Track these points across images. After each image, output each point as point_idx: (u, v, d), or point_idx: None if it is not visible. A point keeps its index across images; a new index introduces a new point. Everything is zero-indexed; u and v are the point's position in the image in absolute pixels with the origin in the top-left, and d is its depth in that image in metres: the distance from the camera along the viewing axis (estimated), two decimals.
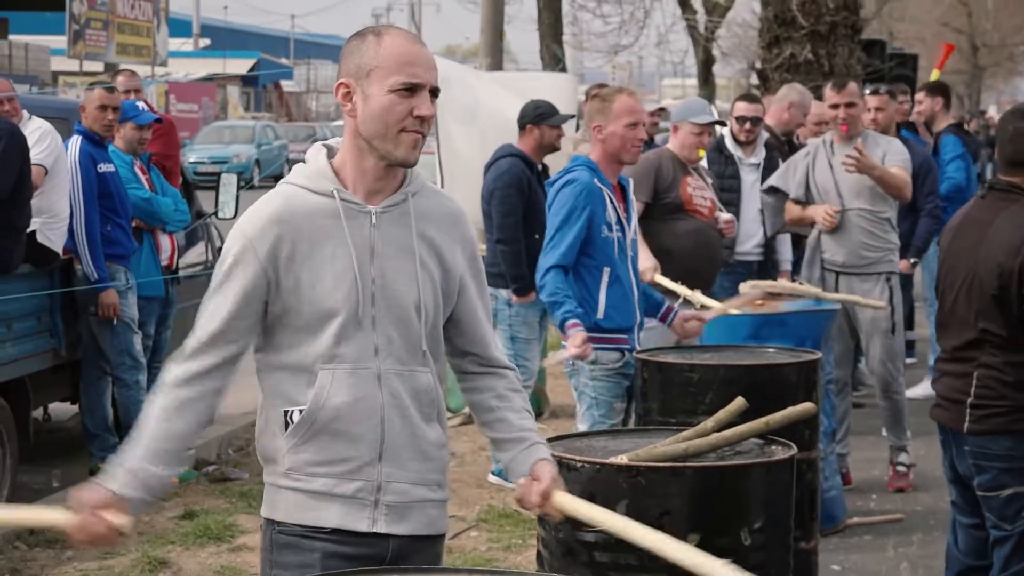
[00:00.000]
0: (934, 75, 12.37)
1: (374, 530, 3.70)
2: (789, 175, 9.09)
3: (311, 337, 3.68)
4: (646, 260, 7.67)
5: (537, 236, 8.63)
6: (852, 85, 8.94)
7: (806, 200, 8.95)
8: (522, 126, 9.36)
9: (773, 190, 9.21)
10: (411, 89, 3.65)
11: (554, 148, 9.42)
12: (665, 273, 7.80)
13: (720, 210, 8.47)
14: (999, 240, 5.60)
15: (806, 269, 9.01)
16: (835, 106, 8.86)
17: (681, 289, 7.62)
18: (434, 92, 3.70)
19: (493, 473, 9.11)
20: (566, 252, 6.76)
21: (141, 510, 3.68)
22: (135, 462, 3.62)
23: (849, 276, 8.82)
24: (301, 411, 3.68)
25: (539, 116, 9.31)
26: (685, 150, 8.34)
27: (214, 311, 3.68)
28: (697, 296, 7.65)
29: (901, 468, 9.12)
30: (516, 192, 9.15)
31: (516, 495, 3.80)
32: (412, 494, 3.74)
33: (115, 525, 3.55)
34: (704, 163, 9.16)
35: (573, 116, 10.58)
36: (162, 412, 3.65)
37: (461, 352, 3.92)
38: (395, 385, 3.70)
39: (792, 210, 9.07)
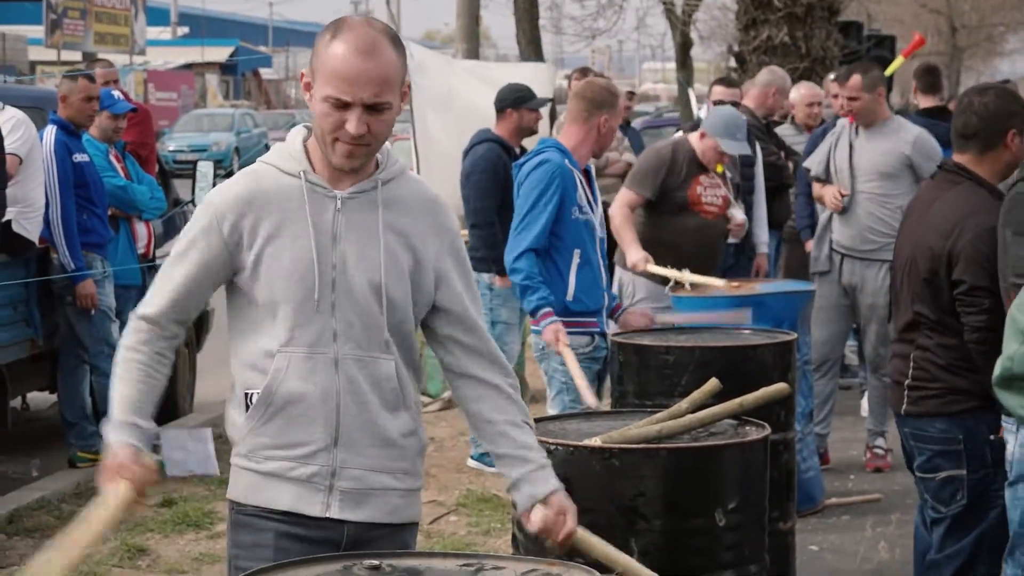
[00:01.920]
0: (897, 62, 12.30)
1: (327, 515, 3.69)
2: (814, 153, 9.11)
3: (270, 318, 3.68)
4: (636, 252, 7.62)
5: None
6: (855, 79, 8.65)
7: (826, 179, 8.94)
8: (501, 110, 9.35)
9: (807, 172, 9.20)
10: (340, 105, 3.59)
11: (532, 132, 9.44)
12: (663, 264, 7.80)
13: (732, 205, 8.24)
14: (934, 223, 5.58)
15: (815, 248, 9.00)
16: (837, 96, 8.86)
17: (671, 273, 7.61)
18: (375, 108, 3.58)
19: (472, 458, 9.12)
20: (539, 234, 6.73)
21: None
22: (136, 418, 3.69)
23: (853, 260, 8.81)
24: (259, 393, 3.69)
25: (518, 100, 9.31)
26: (706, 158, 8.07)
27: (176, 278, 3.73)
28: (686, 276, 7.62)
29: (878, 451, 9.14)
30: (492, 177, 9.15)
31: (536, 526, 3.74)
32: (369, 481, 3.71)
33: (148, 466, 3.62)
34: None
35: (552, 100, 10.57)
36: (146, 369, 3.74)
37: (450, 339, 3.81)
38: (352, 371, 3.68)
39: (814, 187, 9.08)
